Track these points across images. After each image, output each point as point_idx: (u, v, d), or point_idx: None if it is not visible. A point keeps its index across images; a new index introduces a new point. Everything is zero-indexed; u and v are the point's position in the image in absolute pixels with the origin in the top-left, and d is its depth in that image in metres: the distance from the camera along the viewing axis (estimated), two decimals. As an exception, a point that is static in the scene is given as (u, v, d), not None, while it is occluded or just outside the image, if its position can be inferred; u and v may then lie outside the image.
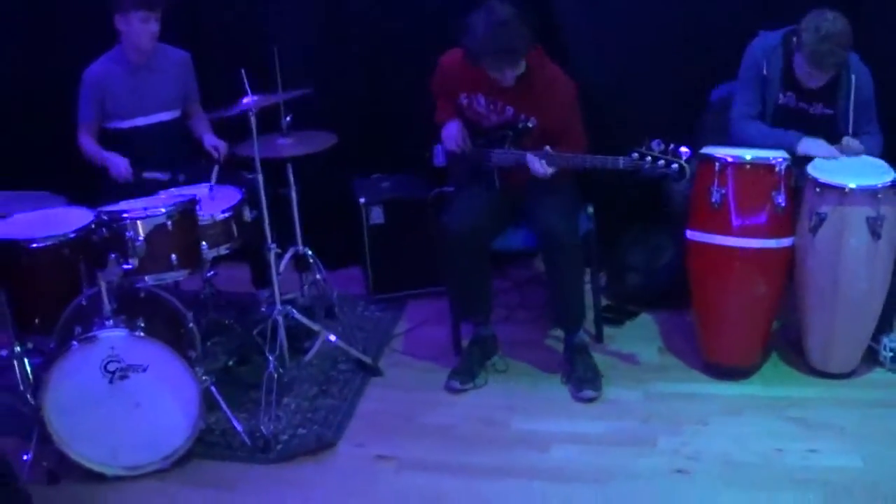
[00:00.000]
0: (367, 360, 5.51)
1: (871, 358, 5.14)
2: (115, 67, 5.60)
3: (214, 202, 5.18)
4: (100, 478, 4.64)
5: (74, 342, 4.49)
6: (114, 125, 5.65)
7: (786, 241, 4.97)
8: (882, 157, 5.02)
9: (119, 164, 5.41)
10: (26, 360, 4.91)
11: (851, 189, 4.72)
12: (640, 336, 5.69)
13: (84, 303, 4.78)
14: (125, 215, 4.68)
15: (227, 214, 5.15)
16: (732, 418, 4.84)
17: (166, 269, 4.76)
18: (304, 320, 5.42)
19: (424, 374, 5.47)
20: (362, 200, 6.16)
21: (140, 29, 5.45)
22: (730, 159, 4.95)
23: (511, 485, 4.51)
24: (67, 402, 4.52)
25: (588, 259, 5.36)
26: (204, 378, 4.75)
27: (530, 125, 5.17)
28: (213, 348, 5.55)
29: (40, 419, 4.55)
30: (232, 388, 5.13)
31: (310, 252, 5.93)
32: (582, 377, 5.14)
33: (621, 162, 4.83)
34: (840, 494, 4.26)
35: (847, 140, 5.04)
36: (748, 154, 4.96)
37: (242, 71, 5.09)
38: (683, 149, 4.71)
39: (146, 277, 4.74)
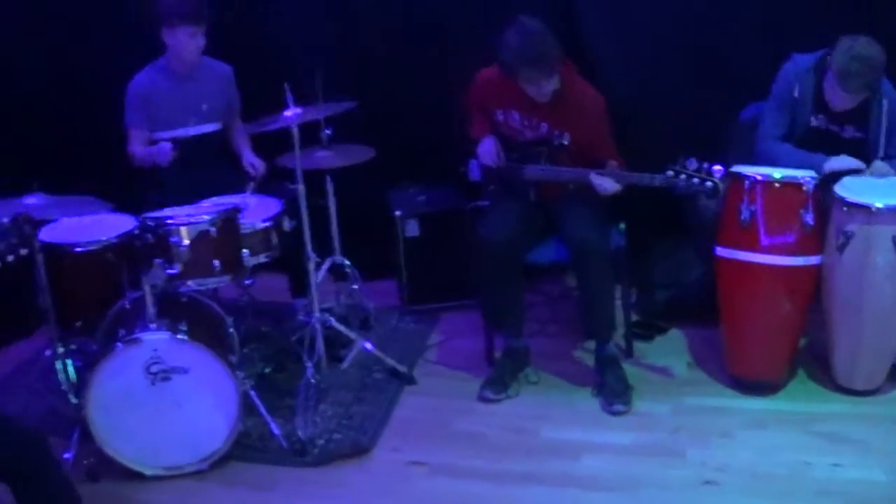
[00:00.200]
0: (402, 368, 5.57)
1: (896, 375, 5.18)
2: (159, 78, 5.69)
3: (255, 211, 5.26)
4: (139, 477, 4.71)
5: (119, 343, 4.57)
6: (156, 135, 5.72)
7: (813, 259, 5.00)
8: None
9: (163, 148, 5.50)
10: (69, 361, 4.96)
11: (878, 208, 4.74)
12: (670, 351, 5.73)
13: (128, 306, 4.88)
14: (170, 221, 4.78)
15: (267, 224, 5.24)
16: (759, 432, 4.87)
17: (209, 274, 4.85)
18: (342, 328, 5.53)
19: (457, 383, 5.53)
20: (398, 213, 6.23)
21: (186, 43, 5.55)
22: (759, 177, 4.98)
23: (541, 492, 4.56)
24: (110, 401, 4.60)
25: (619, 275, 5.41)
26: (244, 381, 4.85)
27: (565, 142, 5.26)
28: (251, 355, 5.59)
29: (83, 418, 4.62)
30: (268, 393, 5.19)
31: (347, 262, 6.02)
32: (612, 390, 5.19)
33: (657, 179, 4.92)
34: (863, 507, 4.32)
35: (877, 163, 5.07)
36: (777, 173, 4.99)
37: (286, 85, 5.16)
38: (717, 167, 4.79)
39: (189, 282, 4.83)
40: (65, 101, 6.46)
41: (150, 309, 4.62)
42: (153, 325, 4.61)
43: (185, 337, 4.62)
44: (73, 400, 4.84)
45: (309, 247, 5.33)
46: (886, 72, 4.99)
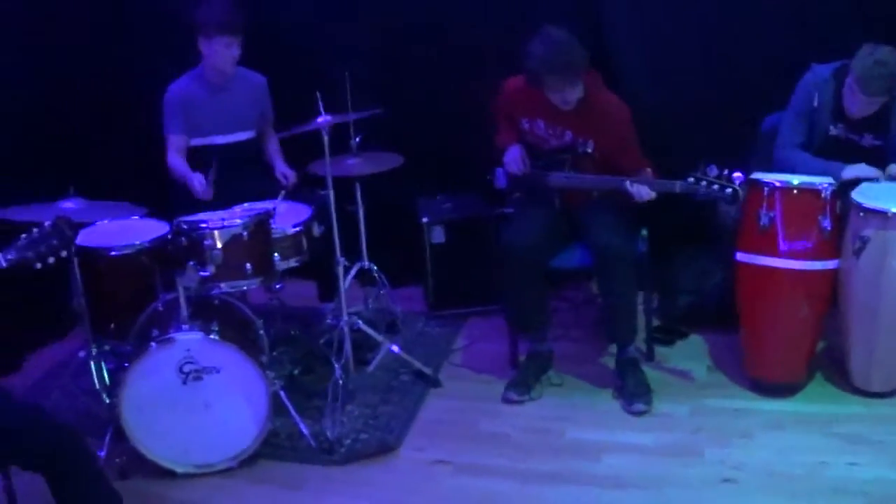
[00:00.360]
0: (428, 371, 5.65)
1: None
2: (196, 86, 5.80)
3: (286, 217, 5.35)
4: (171, 475, 4.80)
5: (153, 343, 4.66)
6: (192, 142, 5.83)
7: (831, 264, 5.06)
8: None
9: (198, 184, 5.54)
10: (102, 362, 5.06)
11: (894, 213, 4.79)
12: (690, 355, 5.77)
13: (161, 308, 4.97)
14: (203, 225, 4.87)
15: (297, 229, 5.33)
16: (777, 433, 4.92)
17: (241, 277, 4.93)
18: (369, 330, 5.63)
19: (482, 385, 5.60)
20: (425, 220, 6.33)
21: (222, 53, 5.66)
22: (777, 184, 5.05)
23: (563, 489, 4.62)
24: (143, 400, 4.69)
25: (641, 281, 5.46)
26: (274, 381, 4.92)
27: (589, 150, 5.33)
28: (280, 357, 5.64)
29: (116, 417, 4.71)
30: (296, 395, 5.25)
31: (375, 267, 6.10)
32: (633, 391, 5.25)
33: (678, 186, 4.98)
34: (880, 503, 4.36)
35: (893, 168, 5.13)
36: (795, 179, 5.05)
37: (318, 93, 5.26)
38: (737, 174, 4.85)
39: (221, 284, 4.91)
40: (100, 108, 6.54)
41: (184, 310, 4.72)
42: (186, 326, 4.70)
43: (217, 337, 4.71)
44: (107, 400, 4.93)
45: (338, 250, 5.41)
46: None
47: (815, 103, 5.28)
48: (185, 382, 4.72)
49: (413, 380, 5.67)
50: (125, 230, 5.29)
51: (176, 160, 5.75)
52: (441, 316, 6.48)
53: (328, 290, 5.94)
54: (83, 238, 5.02)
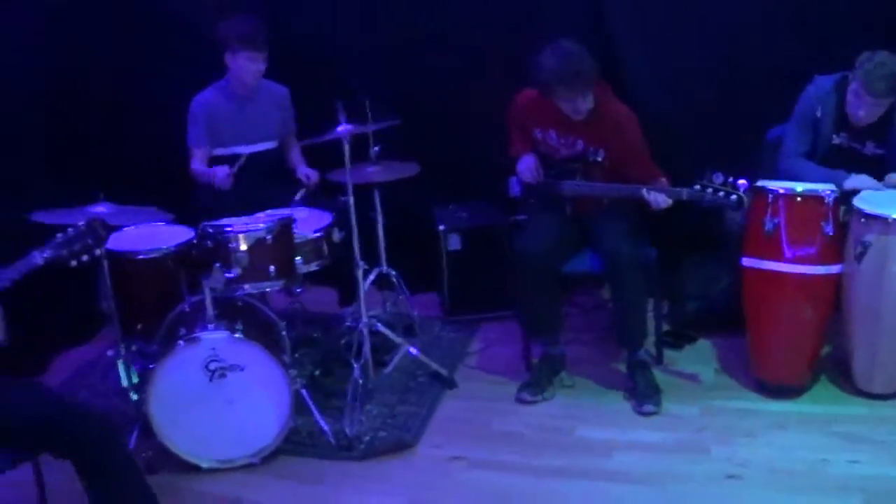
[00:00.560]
0: (444, 372, 5.77)
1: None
2: (221, 97, 5.94)
3: (307, 222, 5.49)
4: (195, 469, 4.94)
5: (180, 342, 4.81)
6: (215, 152, 5.98)
7: (834, 269, 5.16)
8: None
9: (221, 171, 5.71)
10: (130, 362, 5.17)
11: (894, 219, 4.90)
12: (698, 358, 5.88)
13: (187, 309, 5.11)
14: (228, 229, 5.02)
15: (318, 234, 5.47)
16: (780, 432, 5.03)
17: (264, 279, 5.06)
18: (387, 332, 5.74)
19: (496, 386, 5.71)
20: (441, 227, 6.45)
21: (247, 67, 5.81)
22: (781, 191, 5.15)
23: (573, 485, 4.75)
24: (170, 396, 4.82)
25: (650, 287, 5.58)
26: (296, 380, 5.04)
27: (599, 158, 5.45)
28: (300, 359, 5.76)
29: (143, 413, 4.85)
30: (317, 395, 5.35)
31: (393, 272, 6.22)
32: (643, 392, 5.37)
33: (685, 193, 5.11)
34: (880, 499, 4.45)
35: (892, 176, 5.22)
36: (799, 186, 5.15)
37: (339, 103, 5.38)
38: (742, 181, 4.97)
39: (246, 286, 5.04)
40: (128, 115, 6.62)
41: (210, 310, 4.86)
42: (212, 326, 4.84)
43: (242, 336, 4.84)
44: (134, 397, 5.06)
45: (358, 255, 5.52)
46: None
47: (819, 114, 5.38)
48: (210, 380, 4.85)
49: (430, 381, 5.80)
50: (151, 235, 5.41)
51: (199, 166, 5.90)
52: (456, 321, 6.58)
53: (348, 296, 6.02)
54: (111, 242, 5.09)
